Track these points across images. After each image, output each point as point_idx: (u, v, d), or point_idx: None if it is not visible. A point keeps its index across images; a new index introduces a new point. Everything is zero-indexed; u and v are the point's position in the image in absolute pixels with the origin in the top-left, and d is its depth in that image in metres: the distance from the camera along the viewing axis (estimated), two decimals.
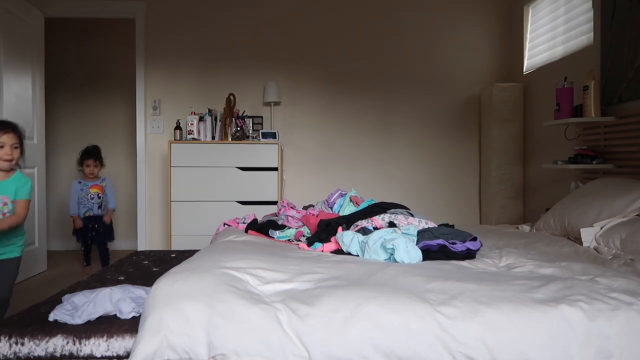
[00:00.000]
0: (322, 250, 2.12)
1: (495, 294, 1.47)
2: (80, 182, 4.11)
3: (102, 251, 4.11)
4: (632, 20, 2.88)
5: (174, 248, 3.97)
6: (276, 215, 2.80)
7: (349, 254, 2.04)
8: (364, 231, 2.13)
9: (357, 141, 4.61)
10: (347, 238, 2.06)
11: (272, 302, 1.42)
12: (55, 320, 1.50)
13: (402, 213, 2.35)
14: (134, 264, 2.35)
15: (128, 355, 1.41)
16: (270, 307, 1.38)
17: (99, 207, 4.14)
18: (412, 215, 2.34)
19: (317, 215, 2.48)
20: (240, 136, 4.20)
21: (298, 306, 1.39)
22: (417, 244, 1.97)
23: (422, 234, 2.05)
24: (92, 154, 4.11)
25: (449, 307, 1.38)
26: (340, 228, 2.23)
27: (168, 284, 1.47)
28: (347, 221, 2.30)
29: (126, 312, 1.52)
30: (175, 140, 4.18)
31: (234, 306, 1.37)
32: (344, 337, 1.31)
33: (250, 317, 1.35)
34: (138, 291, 1.64)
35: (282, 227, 2.52)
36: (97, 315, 1.51)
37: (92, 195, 4.11)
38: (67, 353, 1.41)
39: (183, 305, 1.38)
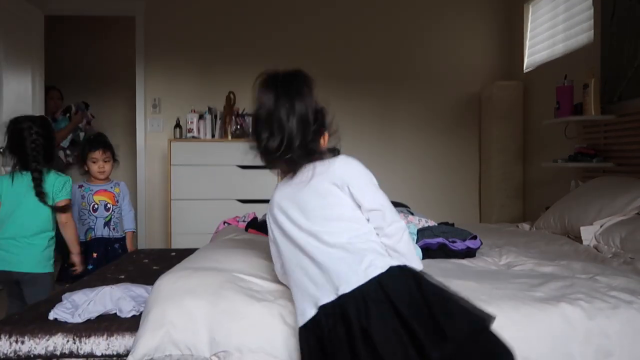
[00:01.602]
0: None
1: (495, 292, 1.47)
2: (81, 187, 2.84)
3: None
4: (632, 19, 2.88)
5: (174, 246, 3.97)
6: None
7: None
8: None
9: (356, 139, 4.60)
10: None
11: (275, 300, 1.42)
12: (56, 319, 1.50)
13: (402, 211, 2.35)
14: (134, 263, 2.35)
15: (128, 353, 1.41)
16: (273, 304, 1.39)
17: (107, 224, 2.83)
18: (412, 214, 2.34)
19: None
20: (240, 134, 4.20)
21: None
22: (417, 242, 1.97)
23: (422, 233, 2.05)
24: (99, 144, 2.83)
25: None
26: None
27: (172, 281, 1.48)
28: None
29: (126, 310, 1.52)
30: (175, 138, 4.18)
31: (237, 303, 1.38)
32: None
33: (253, 314, 1.35)
34: (138, 290, 1.64)
35: None
36: (97, 314, 1.51)
37: (96, 206, 2.81)
38: (67, 351, 1.41)
39: (186, 301, 1.38)
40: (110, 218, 2.83)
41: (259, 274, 1.60)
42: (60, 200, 2.32)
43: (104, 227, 2.82)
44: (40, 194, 2.27)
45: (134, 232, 2.98)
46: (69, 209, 2.37)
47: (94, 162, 2.78)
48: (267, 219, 1.37)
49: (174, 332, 1.35)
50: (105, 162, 2.80)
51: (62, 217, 2.33)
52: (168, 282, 1.47)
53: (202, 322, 1.35)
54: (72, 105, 4.19)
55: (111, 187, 2.87)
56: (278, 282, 1.57)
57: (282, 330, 1.32)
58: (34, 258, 2.26)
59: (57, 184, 2.33)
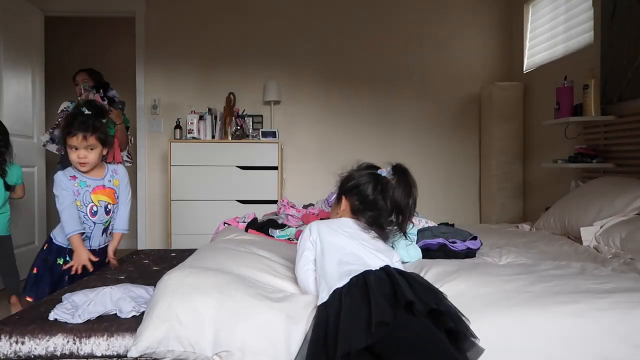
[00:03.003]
0: None
1: (490, 293, 1.47)
2: (74, 177, 2.12)
3: None
4: (632, 19, 2.88)
5: (174, 247, 3.97)
6: (276, 214, 2.80)
7: None
8: None
9: (357, 140, 4.60)
10: None
11: (279, 300, 1.43)
12: (56, 320, 1.50)
13: None
14: (134, 263, 2.35)
15: (128, 354, 1.41)
16: (277, 304, 1.40)
17: (105, 230, 2.22)
18: None
19: (317, 214, 2.48)
20: (240, 135, 4.20)
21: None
22: (417, 242, 1.97)
23: (422, 233, 2.05)
24: (79, 127, 2.05)
25: None
26: None
27: (180, 276, 1.49)
28: None
29: (126, 311, 1.52)
30: (175, 139, 4.18)
31: (243, 304, 1.38)
32: None
33: (258, 315, 1.36)
34: (138, 290, 1.64)
35: (282, 226, 2.52)
36: (97, 314, 1.51)
37: (95, 208, 2.15)
38: (67, 352, 1.42)
39: (194, 298, 1.39)
40: (110, 222, 2.22)
41: (266, 276, 1.61)
42: (21, 185, 3.06)
43: (102, 235, 2.21)
44: (3, 171, 2.92)
45: (124, 232, 2.27)
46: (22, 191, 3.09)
47: (75, 150, 2.08)
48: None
49: (179, 327, 1.35)
50: (92, 149, 2.08)
51: (20, 196, 3.11)
52: (176, 277, 1.49)
53: (208, 320, 1.36)
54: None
55: (109, 180, 2.19)
56: (284, 284, 1.58)
57: (286, 333, 1.32)
58: (5, 224, 3.00)
59: (18, 172, 3.02)
